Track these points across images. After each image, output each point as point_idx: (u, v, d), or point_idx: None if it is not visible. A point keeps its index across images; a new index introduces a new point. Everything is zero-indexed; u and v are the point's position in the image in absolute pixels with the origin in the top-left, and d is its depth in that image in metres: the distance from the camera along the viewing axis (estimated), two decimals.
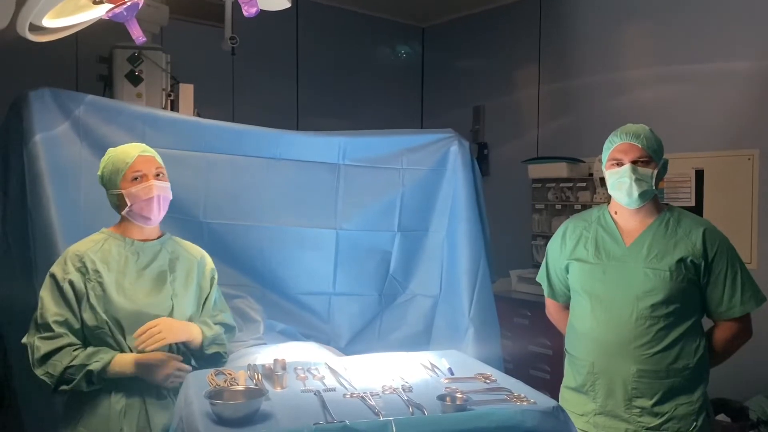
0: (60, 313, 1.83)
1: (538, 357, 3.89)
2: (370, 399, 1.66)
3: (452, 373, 1.90)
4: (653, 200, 2.12)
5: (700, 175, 3.68)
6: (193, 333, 1.95)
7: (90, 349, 1.83)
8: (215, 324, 2.03)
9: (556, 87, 4.56)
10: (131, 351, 1.87)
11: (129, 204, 1.89)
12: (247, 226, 2.54)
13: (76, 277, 1.84)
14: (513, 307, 4.08)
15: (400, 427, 1.49)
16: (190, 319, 1.98)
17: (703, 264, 2.03)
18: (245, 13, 2.03)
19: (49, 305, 1.83)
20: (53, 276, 1.86)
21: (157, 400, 1.88)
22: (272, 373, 1.83)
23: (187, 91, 3.39)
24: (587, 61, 4.34)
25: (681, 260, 2.02)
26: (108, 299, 1.84)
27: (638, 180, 2.03)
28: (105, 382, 1.82)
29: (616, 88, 4.14)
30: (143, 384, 1.86)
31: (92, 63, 3.48)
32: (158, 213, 1.93)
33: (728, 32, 3.62)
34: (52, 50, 2.82)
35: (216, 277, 2.09)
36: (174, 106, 3.40)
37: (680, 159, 3.62)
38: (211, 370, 1.92)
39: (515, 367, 3.77)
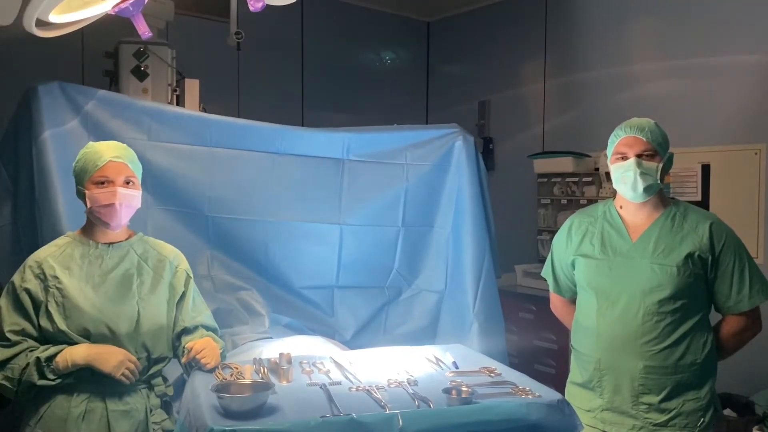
0: (16, 323, 1.79)
1: (543, 351, 3.89)
2: (375, 392, 1.67)
3: (457, 367, 1.91)
4: (659, 194, 2.10)
5: (706, 169, 3.67)
6: (217, 351, 1.94)
7: (44, 347, 1.79)
8: (195, 327, 1.99)
9: (562, 81, 4.54)
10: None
11: (89, 206, 1.87)
12: (251, 220, 2.55)
13: (34, 285, 1.80)
14: (518, 301, 4.08)
15: (406, 419, 1.50)
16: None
17: (710, 258, 2.02)
18: (251, 8, 2.03)
19: (5, 314, 1.80)
20: (12, 284, 1.82)
21: (120, 407, 1.83)
22: (278, 367, 1.84)
23: (192, 86, 3.40)
24: (593, 55, 4.32)
25: (688, 255, 2.00)
26: (70, 305, 1.80)
27: (643, 174, 2.02)
28: (61, 378, 1.76)
29: (622, 83, 4.13)
30: (106, 388, 1.81)
31: (98, 58, 3.49)
32: (118, 220, 1.88)
33: (734, 26, 3.60)
34: (58, 46, 2.82)
35: (191, 276, 2.05)
36: (179, 102, 3.41)
37: (686, 153, 3.61)
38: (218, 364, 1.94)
39: (520, 362, 3.77)
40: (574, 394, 2.17)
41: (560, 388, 2.05)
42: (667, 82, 3.89)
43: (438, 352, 2.07)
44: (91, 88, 2.37)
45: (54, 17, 1.95)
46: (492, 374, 1.86)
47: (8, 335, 1.78)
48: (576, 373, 2.19)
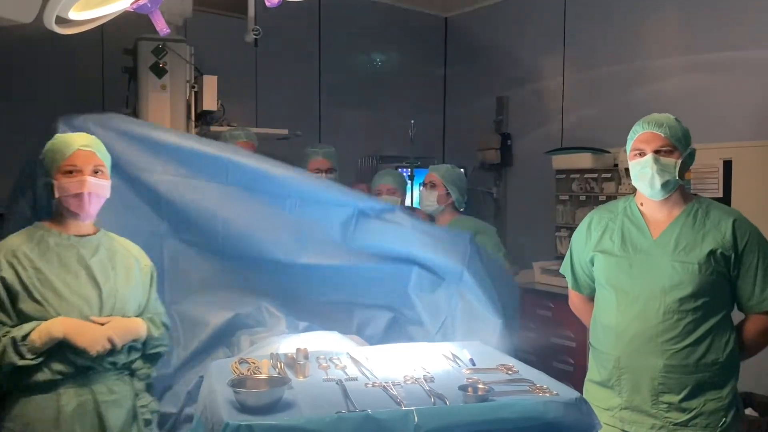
0: None
1: (561, 349, 3.86)
2: (391, 388, 1.66)
3: (474, 364, 1.90)
4: (680, 191, 2.07)
5: (728, 165, 3.61)
6: (140, 331, 1.91)
7: (19, 326, 1.76)
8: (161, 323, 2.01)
9: (581, 76, 4.51)
10: (74, 347, 1.78)
11: (57, 196, 1.85)
12: (262, 258, 2.50)
13: (9, 274, 1.78)
14: (536, 298, 4.06)
15: (422, 416, 1.49)
16: (134, 315, 1.94)
17: (733, 256, 1.98)
18: (267, 3, 2.03)
19: None
20: None
21: (110, 397, 1.84)
22: (295, 362, 1.85)
23: (210, 82, 3.42)
24: (613, 50, 4.28)
25: (711, 253, 1.97)
26: (48, 294, 1.79)
27: (660, 170, 1.99)
28: (41, 356, 1.74)
29: (642, 78, 4.08)
30: (92, 378, 1.82)
31: (117, 55, 3.53)
32: (88, 209, 1.87)
33: (757, 20, 3.54)
34: (77, 43, 2.85)
35: (155, 275, 2.06)
36: (198, 98, 3.44)
37: (708, 149, 3.55)
38: (235, 359, 1.95)
39: (538, 359, 3.75)
40: (592, 392, 2.15)
41: (578, 385, 2.03)
42: (687, 77, 3.84)
43: (455, 349, 2.06)
44: (105, 116, 2.35)
45: (74, 14, 1.97)
46: (509, 372, 1.84)
47: None
48: (594, 371, 2.17)
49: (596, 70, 4.40)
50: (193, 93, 3.42)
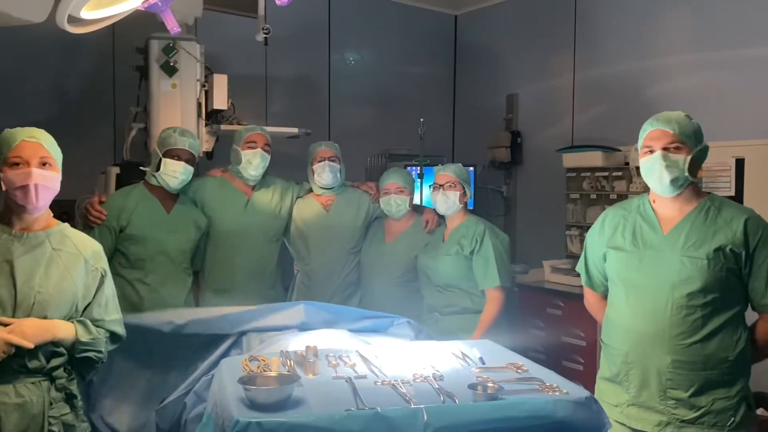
0: None
1: (571, 348, 3.85)
2: (401, 387, 1.67)
3: (483, 363, 1.90)
4: (692, 188, 2.06)
5: (740, 164, 3.58)
6: (58, 333, 1.81)
7: None
8: (100, 328, 1.93)
9: (592, 74, 4.48)
10: None
11: (4, 188, 1.81)
12: None
13: None
14: (546, 297, 4.04)
15: (431, 414, 1.50)
16: (60, 318, 1.84)
17: (744, 253, 1.97)
18: (277, 2, 2.04)
19: None
20: None
21: (13, 400, 1.77)
22: (304, 360, 1.86)
23: (221, 81, 3.43)
24: (623, 47, 4.25)
25: (719, 248, 1.96)
26: None
27: (668, 167, 1.98)
28: None
29: (653, 76, 4.06)
30: (2, 378, 1.76)
31: (129, 53, 3.54)
32: (35, 202, 1.81)
33: None
34: (89, 42, 2.89)
35: (107, 277, 1.98)
36: (208, 97, 3.45)
37: (720, 147, 3.52)
38: (245, 356, 1.96)
39: (548, 358, 3.74)
40: (603, 389, 2.15)
41: (588, 384, 2.03)
42: (699, 75, 3.81)
43: (465, 348, 2.06)
44: None
45: (85, 14, 1.99)
46: (519, 370, 1.84)
47: None
48: (605, 367, 2.17)
49: (607, 68, 4.37)
50: (203, 92, 3.44)
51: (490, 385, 1.63)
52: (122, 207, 2.78)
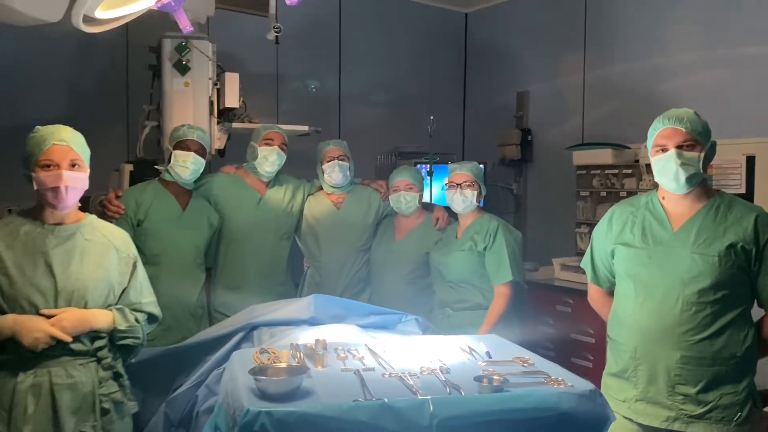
0: None
1: (580, 345, 3.86)
2: (408, 379, 1.69)
3: (490, 357, 1.92)
4: (702, 185, 2.07)
5: (751, 161, 3.58)
6: (97, 323, 1.95)
7: None
8: (138, 311, 2.05)
9: (602, 72, 4.48)
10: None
11: (36, 188, 1.93)
12: None
13: None
14: (556, 294, 4.05)
15: (437, 405, 1.52)
16: (97, 305, 1.97)
17: (754, 250, 1.98)
18: (288, 2, 2.07)
19: None
20: None
21: (66, 381, 1.90)
22: (314, 353, 1.88)
23: (232, 79, 3.47)
24: (634, 45, 4.24)
25: (731, 246, 1.97)
26: (7, 281, 1.87)
27: (684, 164, 1.99)
28: None
29: (664, 73, 4.05)
30: (51, 361, 1.89)
31: (142, 52, 3.59)
32: (65, 202, 1.93)
33: None
34: (103, 41, 2.92)
35: (138, 262, 2.09)
36: (220, 95, 3.49)
37: (730, 145, 3.52)
38: (256, 349, 1.99)
39: (557, 355, 3.75)
40: (609, 384, 2.17)
41: (597, 381, 2.04)
42: (710, 73, 3.81)
43: (472, 342, 2.08)
44: None
45: (100, 13, 2.03)
46: (525, 364, 1.86)
47: None
48: (612, 363, 2.18)
49: (618, 65, 4.37)
50: (215, 90, 3.47)
51: (495, 377, 1.65)
52: (139, 201, 2.83)
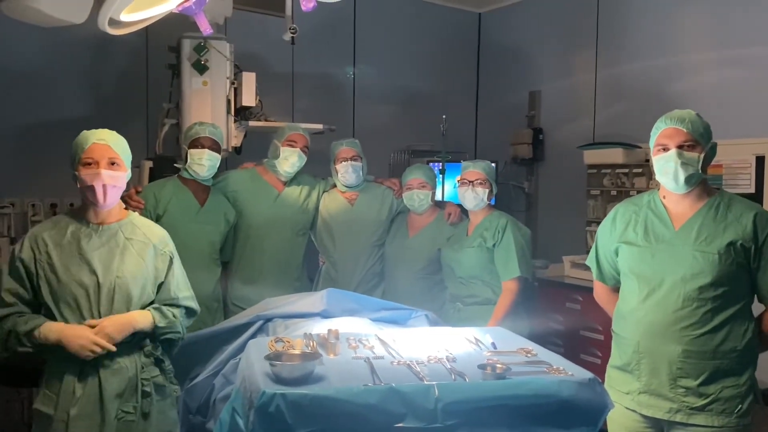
0: (12, 286, 1.98)
1: (589, 342, 3.90)
2: (415, 366, 1.76)
3: (495, 347, 1.99)
4: (702, 185, 2.11)
5: (760, 161, 3.59)
6: (137, 326, 2.02)
7: (29, 316, 1.97)
8: (176, 306, 2.13)
9: (614, 72, 4.50)
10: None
11: (79, 186, 2.01)
12: None
13: (28, 256, 1.98)
14: (565, 292, 4.09)
15: (442, 390, 1.59)
16: (137, 302, 2.05)
17: (753, 248, 2.02)
18: (303, 8, 2.14)
19: (5, 278, 2.00)
20: (13, 251, 2.03)
21: (111, 366, 1.99)
22: (326, 342, 1.96)
23: (249, 79, 3.53)
24: (646, 45, 4.26)
25: (731, 243, 2.01)
26: (55, 279, 1.96)
27: (684, 164, 2.03)
28: (40, 347, 1.93)
29: (675, 73, 4.07)
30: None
31: (162, 52, 3.66)
32: (104, 200, 2.00)
33: None
34: (123, 41, 2.99)
35: (175, 258, 2.17)
36: (237, 94, 3.56)
37: (740, 145, 3.54)
38: (272, 338, 2.08)
39: (566, 351, 3.79)
40: (613, 376, 2.21)
41: (605, 377, 2.10)
42: (721, 73, 3.82)
43: (478, 334, 2.14)
44: None
45: (124, 16, 2.11)
46: (528, 354, 1.92)
47: (4, 296, 1.98)
48: (616, 356, 2.23)
49: (629, 65, 4.39)
50: (232, 89, 3.54)
51: (498, 365, 1.72)
52: (158, 197, 2.92)
